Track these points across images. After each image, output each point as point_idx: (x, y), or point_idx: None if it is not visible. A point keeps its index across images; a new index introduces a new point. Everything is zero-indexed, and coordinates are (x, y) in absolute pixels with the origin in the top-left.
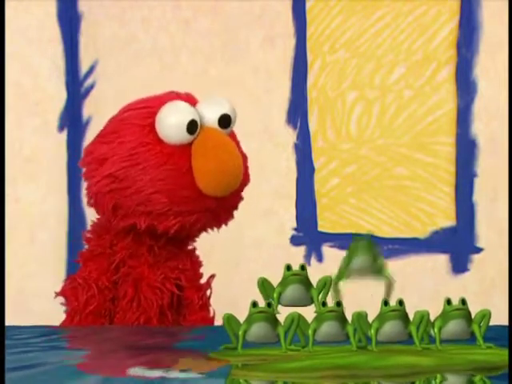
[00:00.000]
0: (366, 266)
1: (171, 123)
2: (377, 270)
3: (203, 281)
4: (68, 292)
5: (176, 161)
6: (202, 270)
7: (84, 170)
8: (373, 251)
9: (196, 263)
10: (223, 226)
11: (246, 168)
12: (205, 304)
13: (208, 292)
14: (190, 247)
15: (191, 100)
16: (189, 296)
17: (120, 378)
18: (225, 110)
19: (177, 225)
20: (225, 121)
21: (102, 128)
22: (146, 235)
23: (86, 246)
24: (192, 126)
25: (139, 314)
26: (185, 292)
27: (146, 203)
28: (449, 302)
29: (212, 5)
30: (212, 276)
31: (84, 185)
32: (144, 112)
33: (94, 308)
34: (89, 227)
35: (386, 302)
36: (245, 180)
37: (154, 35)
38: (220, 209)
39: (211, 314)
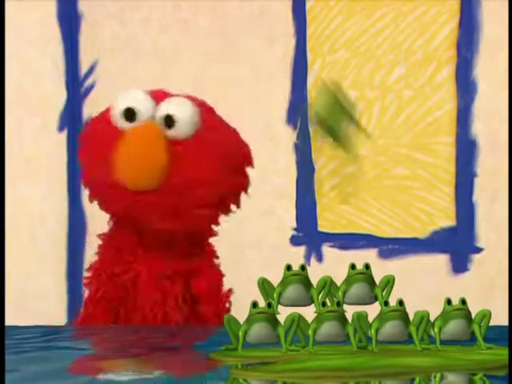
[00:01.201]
0: None
1: (116, 107)
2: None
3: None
4: (85, 281)
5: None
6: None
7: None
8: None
9: (206, 252)
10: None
11: (243, 171)
12: (216, 295)
13: (227, 305)
14: (208, 248)
15: (160, 96)
16: (204, 312)
17: (120, 380)
18: (173, 109)
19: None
20: (168, 120)
21: None
22: (157, 238)
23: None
24: (129, 114)
25: (152, 309)
26: (201, 306)
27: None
28: (449, 302)
29: (212, 5)
30: (230, 290)
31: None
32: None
33: (103, 294)
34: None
35: (386, 302)
36: (242, 183)
37: (154, 35)
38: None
39: None
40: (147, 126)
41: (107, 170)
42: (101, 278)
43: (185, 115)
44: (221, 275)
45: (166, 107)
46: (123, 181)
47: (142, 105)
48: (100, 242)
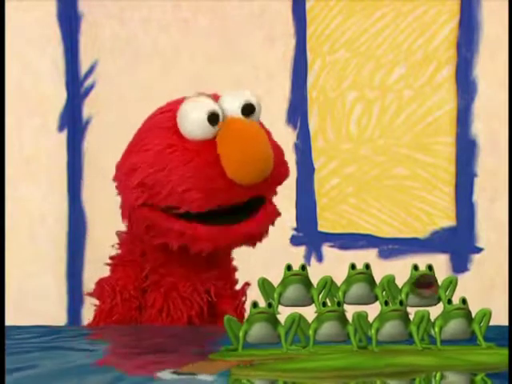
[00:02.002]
0: None
1: (192, 118)
2: None
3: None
4: (96, 294)
5: (202, 155)
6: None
7: (116, 184)
8: None
9: (230, 271)
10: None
11: (283, 160)
12: (240, 313)
13: (243, 299)
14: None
15: (214, 96)
16: (223, 308)
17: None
18: (246, 98)
19: (210, 246)
20: (247, 108)
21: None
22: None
23: (118, 251)
24: (213, 118)
25: (167, 324)
26: (219, 304)
27: (180, 204)
28: (449, 301)
29: (212, 5)
30: (247, 284)
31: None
32: (167, 116)
33: (117, 318)
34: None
35: (386, 302)
36: (284, 172)
37: (154, 35)
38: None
39: None
40: (239, 120)
41: (216, 175)
42: (116, 297)
43: (258, 100)
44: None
45: (240, 98)
46: (242, 177)
47: (219, 107)
48: (116, 255)
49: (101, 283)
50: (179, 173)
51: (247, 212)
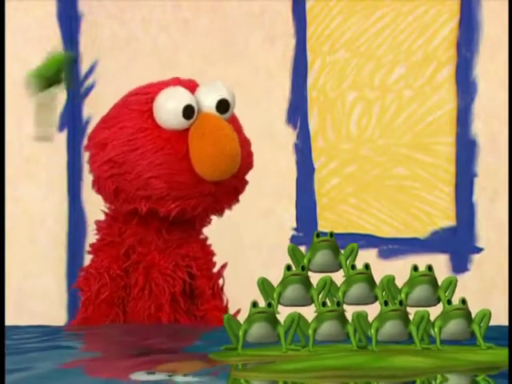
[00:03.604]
0: None
1: (168, 109)
2: None
3: (215, 269)
4: (81, 283)
5: (173, 146)
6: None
7: (87, 154)
8: None
9: (208, 252)
10: (227, 209)
11: (249, 152)
12: (217, 293)
13: (220, 281)
14: (201, 236)
15: (192, 86)
16: (200, 285)
17: (122, 382)
18: (222, 95)
19: (176, 209)
20: (222, 106)
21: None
22: (152, 219)
23: (97, 236)
24: (188, 111)
25: (151, 303)
26: (196, 281)
27: (145, 187)
28: (449, 301)
29: (212, 5)
30: (224, 265)
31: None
32: (144, 98)
33: (106, 296)
34: (90, 223)
35: (386, 302)
36: (248, 164)
37: (154, 35)
38: (220, 193)
39: (224, 303)
40: (212, 117)
41: (183, 168)
42: (103, 277)
43: (233, 97)
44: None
45: (216, 94)
46: (210, 174)
47: (195, 100)
48: (96, 241)
49: (85, 269)
50: (149, 158)
51: None
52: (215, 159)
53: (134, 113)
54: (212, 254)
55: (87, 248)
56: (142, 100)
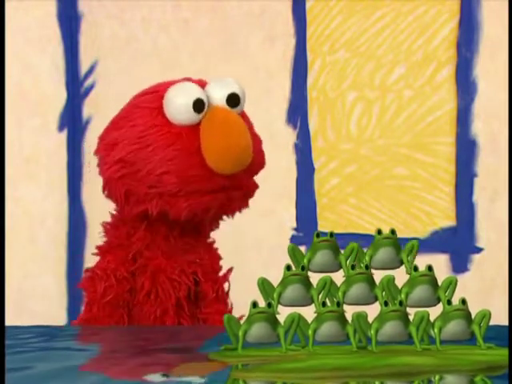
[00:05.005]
0: None
1: (178, 103)
2: None
3: (221, 273)
4: (86, 283)
5: (184, 141)
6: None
7: (97, 157)
8: None
9: (214, 256)
10: (237, 212)
11: (260, 151)
12: (221, 297)
13: (226, 285)
14: (208, 240)
15: (201, 82)
16: (204, 289)
17: (121, 381)
18: (232, 89)
19: (187, 208)
20: (233, 99)
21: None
22: (160, 224)
23: (104, 239)
24: (199, 105)
25: (156, 307)
26: (201, 285)
27: (157, 185)
28: (449, 302)
29: (212, 5)
30: (230, 270)
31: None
32: (154, 96)
33: (111, 298)
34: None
35: (386, 303)
36: (260, 162)
37: (154, 35)
38: (233, 190)
39: (228, 307)
40: (223, 110)
41: (195, 163)
42: (109, 279)
43: (243, 91)
44: (219, 256)
45: (226, 88)
46: (222, 167)
47: (205, 94)
48: (103, 243)
49: (90, 270)
50: (161, 154)
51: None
52: (227, 151)
53: (143, 111)
54: (218, 257)
55: (87, 248)
56: (151, 98)
